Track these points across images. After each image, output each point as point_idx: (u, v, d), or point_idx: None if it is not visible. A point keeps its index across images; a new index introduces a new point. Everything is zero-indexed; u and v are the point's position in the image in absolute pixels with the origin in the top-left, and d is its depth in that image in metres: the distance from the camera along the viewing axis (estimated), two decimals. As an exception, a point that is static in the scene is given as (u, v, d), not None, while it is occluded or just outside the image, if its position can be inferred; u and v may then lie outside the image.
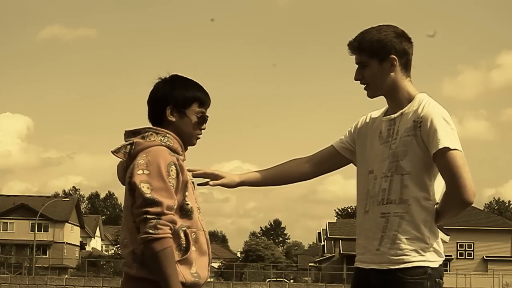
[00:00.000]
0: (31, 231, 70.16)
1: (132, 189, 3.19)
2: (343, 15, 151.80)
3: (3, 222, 75.40)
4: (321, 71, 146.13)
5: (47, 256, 72.30)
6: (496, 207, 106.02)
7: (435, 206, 3.37)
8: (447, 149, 3.23)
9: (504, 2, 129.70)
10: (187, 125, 3.36)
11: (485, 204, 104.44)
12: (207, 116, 3.41)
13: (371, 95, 3.50)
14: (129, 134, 3.37)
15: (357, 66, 3.48)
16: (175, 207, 3.20)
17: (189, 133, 3.38)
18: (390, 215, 3.35)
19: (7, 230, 75.11)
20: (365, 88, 3.49)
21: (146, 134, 3.32)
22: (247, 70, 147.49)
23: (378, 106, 3.61)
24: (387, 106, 3.55)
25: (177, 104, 3.35)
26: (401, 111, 3.42)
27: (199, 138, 3.42)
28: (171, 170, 3.21)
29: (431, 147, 3.27)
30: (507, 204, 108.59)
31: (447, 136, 3.26)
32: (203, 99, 3.39)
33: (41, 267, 62.43)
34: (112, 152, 3.33)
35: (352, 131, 3.65)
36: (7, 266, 59.77)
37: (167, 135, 3.32)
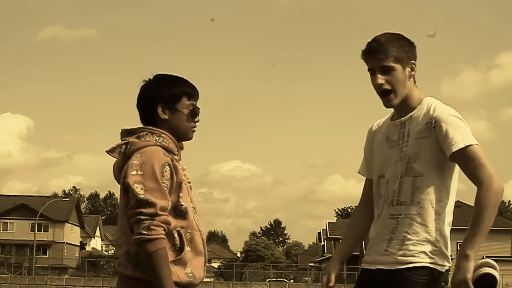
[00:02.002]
0: (31, 231, 70.15)
1: (126, 190, 3.19)
2: (343, 15, 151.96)
3: (3, 222, 75.40)
4: (321, 71, 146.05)
5: (47, 256, 72.26)
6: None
7: (451, 213, 3.34)
8: (467, 147, 3.20)
9: (504, 2, 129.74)
10: (180, 120, 3.36)
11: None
12: (199, 108, 3.41)
13: (396, 101, 3.34)
14: (125, 133, 3.36)
15: (371, 71, 3.33)
16: (169, 208, 3.20)
17: (184, 127, 3.37)
18: (400, 216, 3.32)
19: (7, 230, 75.11)
20: (386, 94, 3.33)
21: (142, 134, 3.31)
22: (247, 70, 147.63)
23: (377, 109, 3.56)
24: (391, 113, 3.49)
25: (166, 101, 3.34)
26: (410, 114, 3.36)
27: (194, 131, 3.42)
28: (165, 171, 3.20)
29: (448, 147, 3.23)
30: (507, 204, 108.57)
31: (464, 134, 3.23)
32: (191, 92, 3.40)
33: (41, 267, 62.36)
34: (107, 151, 3.33)
35: (367, 149, 3.58)
36: (7, 266, 59.68)
37: (163, 135, 3.32)
